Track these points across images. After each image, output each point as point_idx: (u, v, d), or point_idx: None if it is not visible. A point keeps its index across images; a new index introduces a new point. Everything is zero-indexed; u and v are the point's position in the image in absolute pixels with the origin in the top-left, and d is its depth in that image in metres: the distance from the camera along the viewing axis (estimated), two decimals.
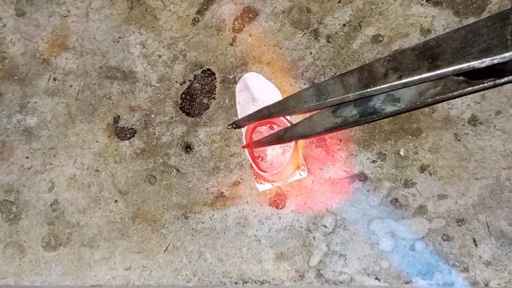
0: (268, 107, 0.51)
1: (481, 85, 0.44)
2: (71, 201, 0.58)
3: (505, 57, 0.37)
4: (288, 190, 0.56)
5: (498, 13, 0.39)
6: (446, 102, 0.55)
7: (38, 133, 0.60)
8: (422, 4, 0.57)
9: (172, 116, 0.59)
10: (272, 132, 0.55)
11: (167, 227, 0.56)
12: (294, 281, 0.54)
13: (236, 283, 0.55)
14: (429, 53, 0.41)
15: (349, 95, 0.45)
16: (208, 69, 0.60)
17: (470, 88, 0.44)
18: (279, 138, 0.52)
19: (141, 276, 0.56)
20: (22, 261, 0.57)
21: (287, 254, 0.55)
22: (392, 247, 0.54)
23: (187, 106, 0.59)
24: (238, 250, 0.55)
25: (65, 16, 0.63)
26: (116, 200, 0.58)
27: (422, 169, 0.55)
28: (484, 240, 0.53)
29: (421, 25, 0.57)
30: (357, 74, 0.45)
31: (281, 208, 0.56)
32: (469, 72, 0.41)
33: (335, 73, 0.58)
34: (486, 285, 0.52)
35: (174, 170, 0.58)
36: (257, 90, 0.55)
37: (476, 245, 0.53)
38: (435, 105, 0.55)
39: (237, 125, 0.54)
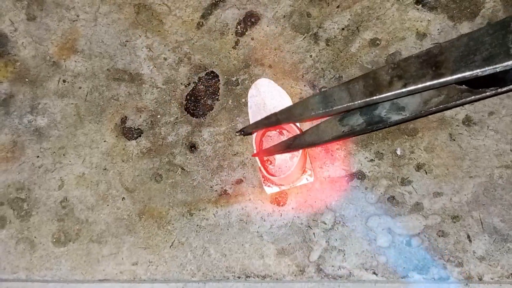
0: (275, 114, 0.52)
1: (483, 94, 0.45)
2: (80, 199, 0.60)
3: (507, 65, 0.38)
4: (289, 188, 0.58)
5: (499, 21, 0.39)
6: None
7: (48, 133, 0.62)
8: (418, 9, 0.59)
9: (177, 117, 0.61)
10: (281, 137, 0.57)
11: (173, 224, 0.58)
12: (295, 275, 0.56)
13: (239, 277, 0.56)
14: (432, 61, 0.42)
15: (355, 102, 0.45)
16: (212, 72, 0.62)
17: (472, 97, 0.45)
18: (288, 146, 0.53)
19: (148, 270, 0.58)
20: (33, 256, 0.59)
21: (288, 249, 0.56)
22: (389, 243, 0.55)
23: (192, 107, 0.61)
24: (241, 245, 0.57)
25: (74, 21, 0.65)
26: (123, 198, 0.60)
27: (418, 167, 0.56)
28: (478, 236, 0.54)
29: (417, 29, 0.59)
30: (362, 82, 0.45)
31: (282, 206, 0.57)
32: (472, 81, 0.42)
33: (334, 75, 0.60)
34: (480, 279, 0.54)
35: (179, 169, 0.60)
36: (268, 95, 0.57)
37: (470, 241, 0.54)
38: None
39: (245, 132, 0.55)
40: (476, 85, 0.45)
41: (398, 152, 0.57)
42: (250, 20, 0.62)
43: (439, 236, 0.55)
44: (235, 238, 0.57)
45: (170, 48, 0.63)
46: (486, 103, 0.57)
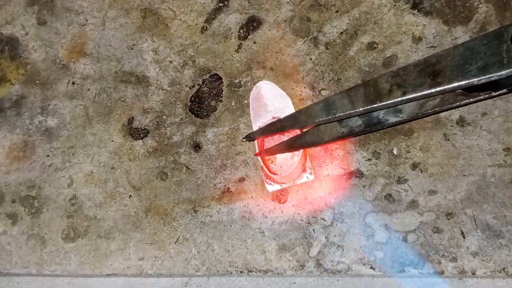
0: (280, 121, 0.54)
1: (477, 98, 0.47)
2: (88, 196, 0.62)
3: (502, 74, 0.39)
4: (289, 186, 0.60)
5: (493, 31, 0.41)
6: None
7: (58, 133, 0.65)
8: (413, 14, 0.61)
9: (182, 118, 0.63)
10: (282, 137, 0.59)
11: (178, 220, 0.60)
12: (295, 270, 0.58)
13: (241, 272, 0.58)
14: (430, 70, 0.43)
15: (356, 110, 0.47)
16: (216, 74, 0.64)
17: (467, 100, 0.47)
18: (289, 146, 0.55)
19: (154, 265, 0.60)
20: (43, 252, 0.61)
21: (289, 245, 0.58)
22: (386, 238, 0.57)
23: (196, 108, 0.63)
24: (243, 241, 0.59)
25: (83, 25, 0.67)
26: (130, 195, 0.62)
27: (414, 166, 0.58)
28: (471, 232, 0.56)
29: (412, 33, 0.61)
30: (363, 90, 0.47)
31: (283, 203, 0.60)
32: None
33: (333, 78, 0.62)
34: (473, 274, 0.56)
35: (184, 168, 0.62)
36: (270, 97, 0.59)
37: (464, 237, 0.56)
38: None
39: (252, 138, 0.58)
40: (471, 89, 0.47)
41: (395, 152, 0.59)
42: (252, 24, 0.65)
43: (434, 232, 0.57)
44: (237, 234, 0.59)
45: (175, 52, 0.65)
46: (479, 104, 0.59)
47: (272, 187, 0.59)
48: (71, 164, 0.63)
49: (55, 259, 0.61)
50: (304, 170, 0.59)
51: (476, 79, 0.40)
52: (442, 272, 0.56)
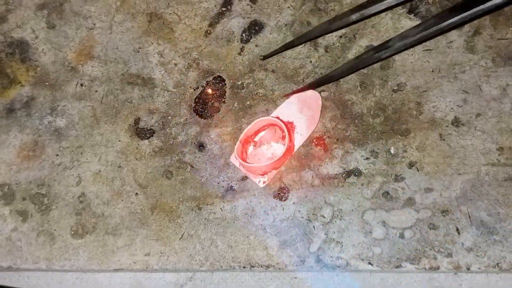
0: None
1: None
2: (96, 194, 0.64)
3: None
4: (291, 184, 0.62)
5: None
6: (431, 105, 0.61)
7: (67, 133, 0.67)
8: (410, 18, 0.64)
9: (186, 118, 0.65)
10: (274, 133, 0.61)
11: (182, 217, 0.62)
12: (296, 265, 0.59)
13: (244, 267, 0.60)
14: None
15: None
16: (219, 76, 0.66)
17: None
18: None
19: (159, 261, 0.61)
20: (52, 248, 0.63)
21: (290, 241, 0.60)
22: (383, 235, 0.59)
23: (200, 109, 0.65)
24: (246, 237, 0.61)
25: (91, 29, 0.69)
26: (136, 193, 0.64)
27: (410, 165, 0.60)
28: (466, 229, 0.58)
29: None
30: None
31: (284, 200, 0.61)
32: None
33: None
34: (468, 269, 0.57)
35: (189, 166, 0.64)
36: (307, 108, 0.62)
37: (459, 233, 0.58)
38: (422, 108, 0.61)
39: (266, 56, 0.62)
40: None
41: (392, 151, 0.61)
42: (254, 28, 0.67)
43: (430, 228, 0.58)
44: (240, 230, 0.61)
45: (180, 54, 0.67)
46: (474, 105, 0.61)
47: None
48: (80, 163, 0.65)
49: (64, 254, 0.63)
50: (264, 173, 0.61)
51: None
52: (438, 268, 0.57)
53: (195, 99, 0.66)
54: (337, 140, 0.62)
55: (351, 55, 0.64)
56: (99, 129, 0.66)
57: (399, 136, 0.61)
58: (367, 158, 0.61)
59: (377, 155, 0.61)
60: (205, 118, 0.65)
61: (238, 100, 0.65)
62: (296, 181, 0.61)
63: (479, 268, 0.57)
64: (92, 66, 0.68)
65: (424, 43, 0.63)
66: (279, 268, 0.59)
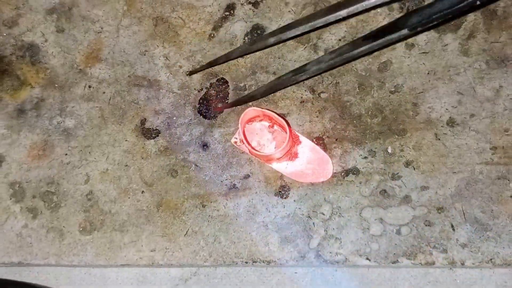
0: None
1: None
2: (104, 192, 0.66)
3: None
4: (291, 182, 0.64)
5: None
6: (427, 106, 0.63)
7: (75, 133, 0.69)
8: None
9: (191, 119, 0.67)
10: (272, 129, 0.64)
11: (187, 214, 0.64)
12: (297, 261, 0.61)
13: (246, 262, 0.62)
14: None
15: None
16: (222, 78, 0.68)
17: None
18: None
19: (165, 256, 0.63)
20: (61, 244, 0.65)
21: (290, 237, 0.62)
22: (381, 231, 0.61)
23: (204, 110, 0.68)
24: (248, 234, 0.63)
25: (98, 32, 0.72)
26: (143, 191, 0.66)
27: (407, 164, 0.62)
28: (460, 225, 0.60)
29: (406, 40, 0.65)
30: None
31: (285, 198, 0.63)
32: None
33: (331, 82, 0.66)
34: (463, 264, 0.59)
35: (193, 165, 0.66)
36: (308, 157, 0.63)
37: (453, 230, 0.60)
38: (418, 109, 0.63)
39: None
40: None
41: (389, 150, 0.63)
42: (256, 32, 0.69)
43: (426, 225, 0.60)
44: (243, 227, 0.63)
45: (184, 57, 0.69)
46: (468, 106, 0.63)
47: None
48: (88, 162, 0.67)
49: (73, 250, 0.64)
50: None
51: None
52: (433, 263, 0.59)
53: (199, 100, 0.68)
54: (336, 140, 0.64)
55: None
56: (107, 129, 0.68)
57: (396, 136, 0.63)
58: (365, 157, 0.63)
59: (375, 154, 0.63)
60: (208, 119, 0.67)
61: None
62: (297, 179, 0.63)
63: (473, 264, 0.59)
64: (100, 69, 0.70)
65: (419, 46, 0.65)
66: (280, 264, 0.61)
